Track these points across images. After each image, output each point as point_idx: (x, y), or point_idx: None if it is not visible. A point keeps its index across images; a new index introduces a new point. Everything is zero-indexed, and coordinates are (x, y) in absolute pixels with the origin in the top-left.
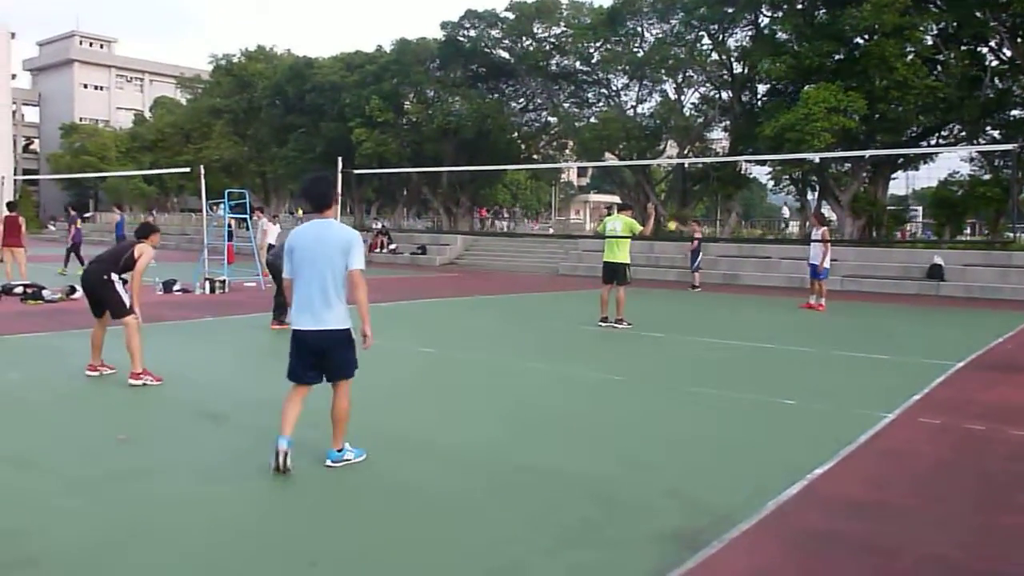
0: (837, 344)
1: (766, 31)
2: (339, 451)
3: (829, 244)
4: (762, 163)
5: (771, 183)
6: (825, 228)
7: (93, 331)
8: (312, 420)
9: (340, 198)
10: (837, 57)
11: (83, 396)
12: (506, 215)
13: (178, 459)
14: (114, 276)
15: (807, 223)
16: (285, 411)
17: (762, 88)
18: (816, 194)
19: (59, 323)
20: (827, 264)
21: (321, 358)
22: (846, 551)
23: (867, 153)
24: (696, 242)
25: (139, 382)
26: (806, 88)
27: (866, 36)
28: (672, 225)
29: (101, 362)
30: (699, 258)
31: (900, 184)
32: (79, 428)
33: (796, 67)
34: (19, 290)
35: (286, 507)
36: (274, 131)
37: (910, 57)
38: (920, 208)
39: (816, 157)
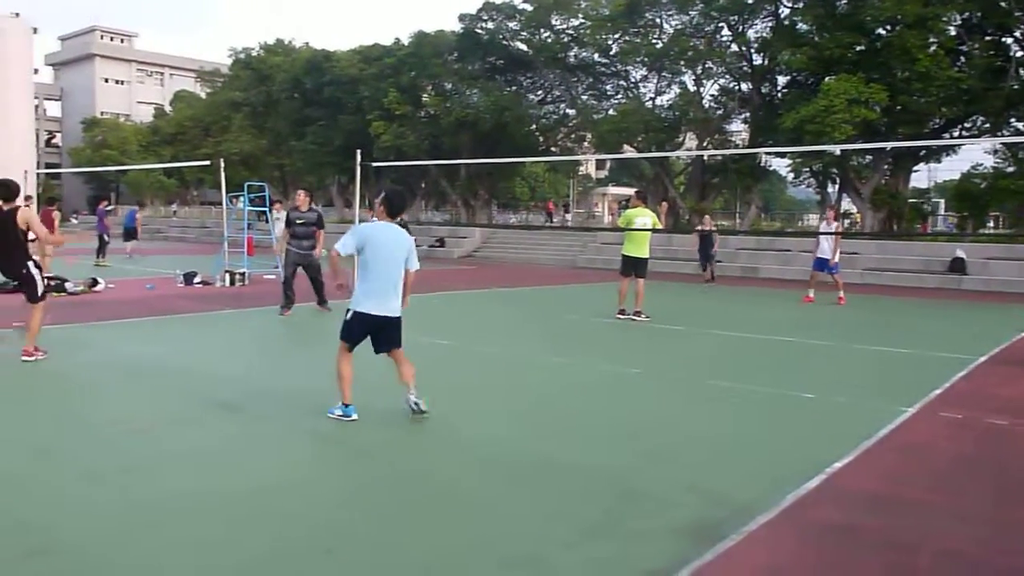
0: (856, 338)
1: (786, 22)
2: (416, 398)
3: (838, 239)
4: (782, 155)
5: (791, 176)
6: (838, 223)
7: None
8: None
9: (358, 192)
10: (858, 48)
11: (100, 387)
12: (562, 210)
13: (192, 449)
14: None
15: (837, 216)
16: (346, 376)
17: (782, 80)
18: (836, 187)
19: (80, 315)
20: (837, 258)
21: (376, 334)
22: (864, 545)
23: (888, 145)
24: (702, 235)
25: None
26: (827, 80)
27: (888, 27)
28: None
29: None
30: (714, 251)
31: (922, 177)
32: (95, 419)
33: (816, 58)
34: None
35: (300, 496)
36: (292, 124)
37: (933, 48)
38: (942, 201)
39: (837, 149)
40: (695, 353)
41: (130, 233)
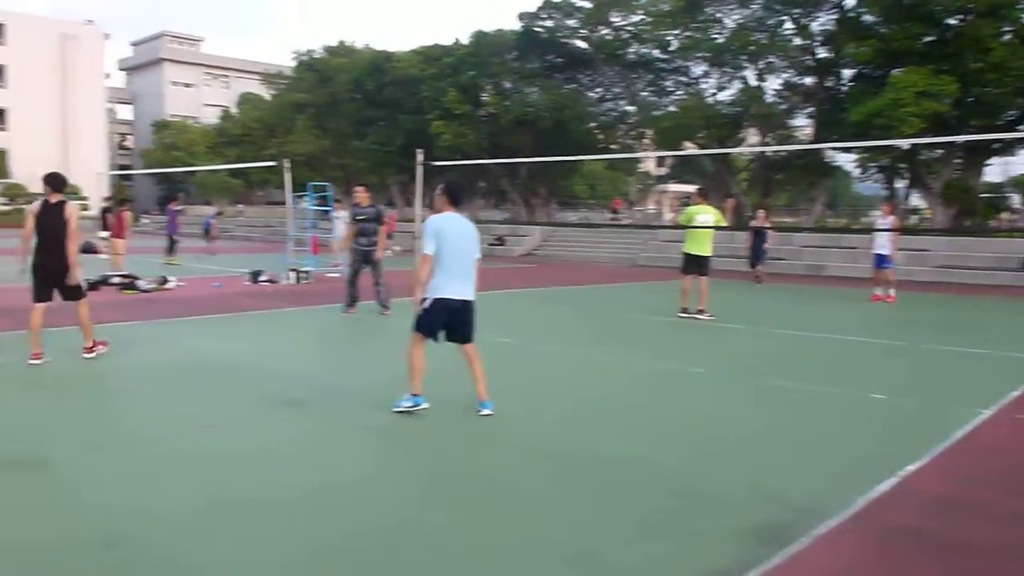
0: (928, 337)
1: (851, 14)
2: (486, 401)
3: (897, 234)
4: (848, 150)
5: (857, 171)
6: (894, 217)
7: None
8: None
9: (419, 191)
10: (927, 39)
11: (169, 382)
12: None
13: (259, 445)
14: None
15: (892, 210)
16: (418, 366)
17: (847, 73)
18: (905, 182)
19: (152, 311)
20: (896, 254)
21: (452, 321)
22: (937, 550)
23: (960, 139)
24: (755, 231)
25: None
26: (894, 72)
27: (959, 16)
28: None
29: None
30: (765, 248)
31: (995, 171)
32: (165, 413)
33: (883, 50)
34: (116, 280)
35: (364, 492)
36: (354, 124)
37: (1007, 37)
38: (1017, 195)
39: (905, 144)
40: (758, 352)
41: (207, 233)
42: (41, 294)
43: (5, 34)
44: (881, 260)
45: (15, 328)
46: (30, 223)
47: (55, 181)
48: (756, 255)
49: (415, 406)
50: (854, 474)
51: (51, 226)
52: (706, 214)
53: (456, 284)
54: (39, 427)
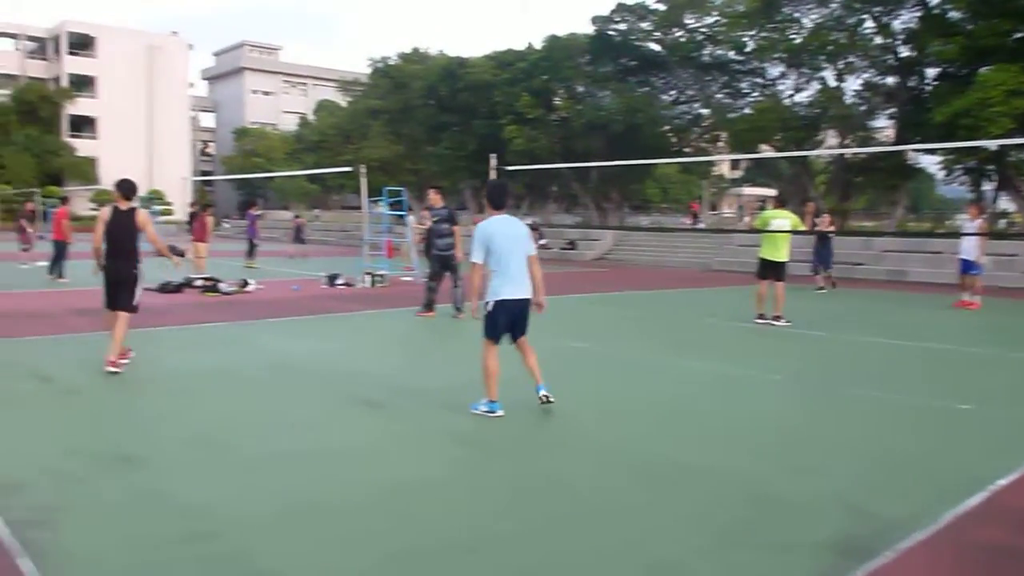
0: (1018, 346)
1: (936, 11)
2: (541, 384)
3: (986, 237)
4: (932, 152)
5: (942, 173)
6: (982, 220)
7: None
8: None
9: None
10: (1017, 35)
11: (250, 382)
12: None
13: (338, 444)
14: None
15: (980, 213)
16: (493, 371)
17: (931, 72)
18: (993, 185)
19: (233, 313)
20: (983, 259)
21: (513, 320)
22: None
23: None
24: (820, 235)
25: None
26: (982, 70)
27: None
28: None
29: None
30: (831, 255)
31: None
32: (248, 412)
33: (970, 48)
34: (199, 283)
35: (443, 494)
36: (428, 130)
37: None
38: None
39: (993, 144)
40: (838, 360)
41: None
42: (108, 300)
43: (95, 46)
44: (968, 266)
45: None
46: (100, 229)
47: (126, 188)
48: (821, 260)
49: (490, 412)
50: (941, 487)
51: (121, 233)
52: (782, 219)
53: (514, 285)
54: (131, 426)
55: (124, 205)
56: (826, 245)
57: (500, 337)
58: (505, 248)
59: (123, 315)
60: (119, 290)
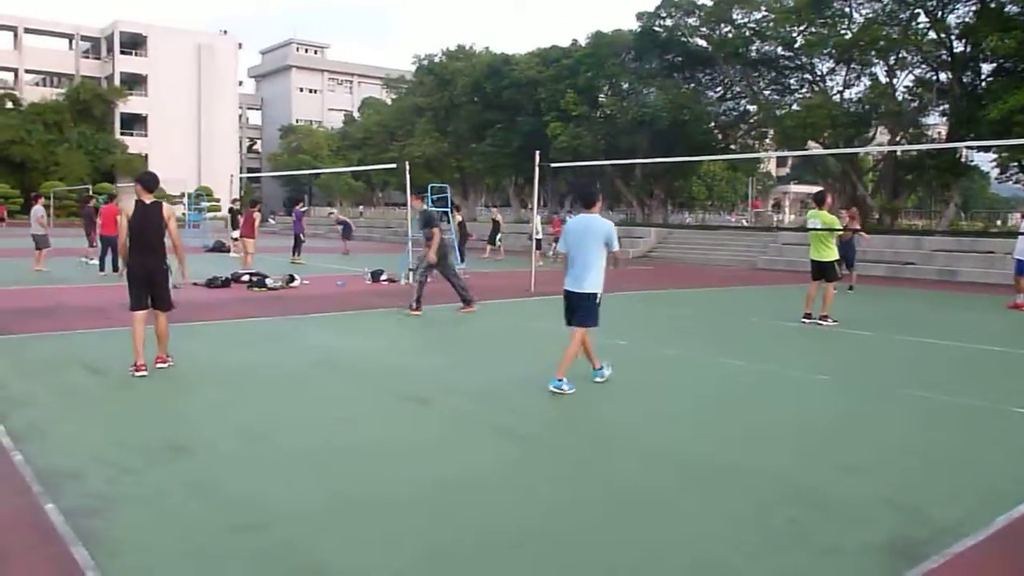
0: None
1: (992, 4)
2: (560, 379)
3: None
4: (986, 149)
5: (996, 171)
6: None
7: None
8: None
9: (536, 192)
10: None
11: (299, 376)
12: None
13: (386, 439)
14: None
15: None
16: (569, 352)
17: (987, 68)
18: None
19: (280, 308)
20: None
21: (572, 307)
22: None
23: None
24: (850, 234)
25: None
26: None
27: None
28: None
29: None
30: (855, 253)
31: None
32: (297, 406)
33: None
34: (246, 278)
35: (488, 490)
36: (472, 127)
37: None
38: None
39: None
40: (886, 360)
41: (347, 233)
42: (138, 301)
43: (147, 45)
44: (1022, 266)
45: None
46: (125, 225)
47: (148, 181)
48: (844, 259)
49: (556, 389)
50: (995, 492)
51: (146, 228)
52: (815, 219)
53: (571, 278)
54: (180, 419)
55: (148, 199)
56: (849, 243)
57: (568, 321)
58: (572, 244)
59: (163, 315)
60: (153, 290)
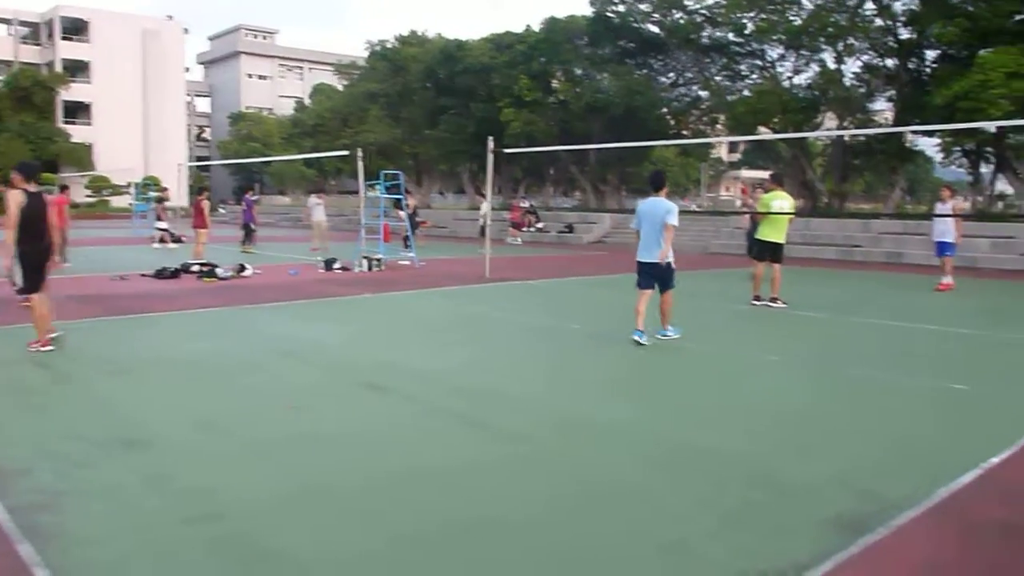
0: (1012, 327)
1: None
2: (665, 330)
3: (960, 220)
4: (931, 134)
5: (940, 156)
6: (954, 202)
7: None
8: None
9: (490, 178)
10: (1018, 17)
11: (252, 366)
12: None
13: (344, 428)
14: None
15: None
16: (638, 309)
17: (932, 54)
18: (991, 167)
19: (231, 298)
20: (956, 240)
21: (652, 276)
22: None
23: None
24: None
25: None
26: (982, 53)
27: None
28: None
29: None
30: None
31: None
32: (252, 395)
33: (971, 30)
34: (196, 268)
35: (449, 480)
36: (426, 113)
37: None
38: None
39: (993, 126)
40: (834, 341)
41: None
42: (35, 284)
43: (89, 31)
44: (943, 247)
45: (96, 315)
46: (17, 214)
47: (26, 169)
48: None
49: (639, 338)
50: (936, 465)
51: (37, 216)
52: (783, 200)
53: (643, 250)
54: (131, 411)
55: (31, 187)
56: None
57: (641, 285)
58: (643, 221)
59: (44, 297)
60: (45, 273)
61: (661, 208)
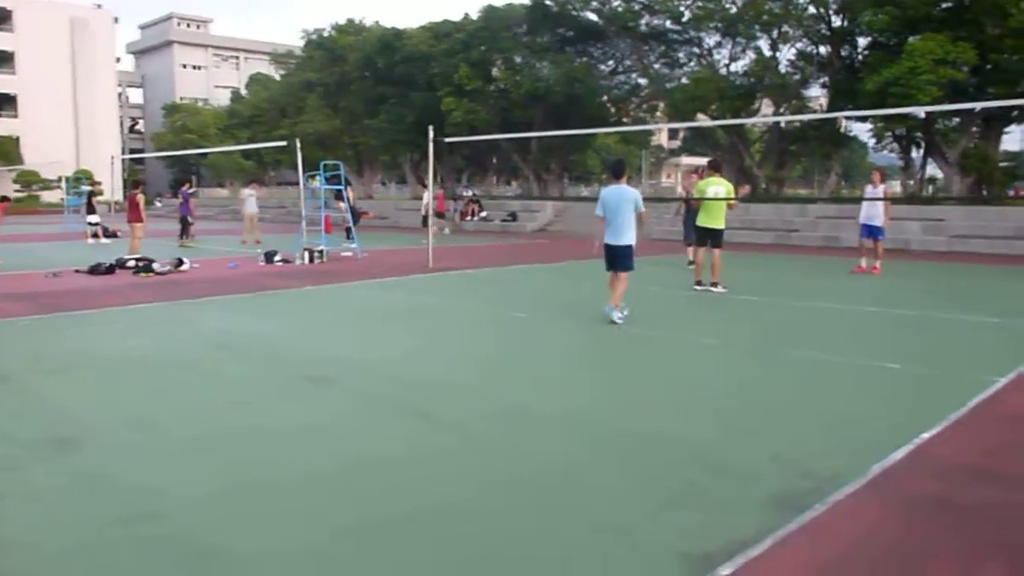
0: (943, 307)
1: None
2: (613, 307)
3: (889, 203)
4: (863, 120)
5: (873, 141)
6: (884, 186)
7: None
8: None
9: (431, 168)
10: (945, 5)
11: (193, 362)
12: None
13: (288, 422)
14: None
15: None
16: (612, 289)
17: (863, 41)
18: (921, 151)
19: (169, 293)
20: (885, 223)
21: (611, 257)
22: (959, 517)
23: (977, 106)
24: (687, 203)
25: None
26: (911, 40)
27: None
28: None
29: None
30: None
31: (1015, 139)
32: (193, 391)
33: (900, 18)
34: (131, 263)
35: (391, 471)
36: (365, 103)
37: None
38: None
39: (922, 112)
40: (773, 324)
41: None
42: None
43: (13, 20)
44: (872, 230)
45: (30, 313)
46: None
47: None
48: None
49: (609, 316)
50: (871, 442)
51: None
52: (718, 186)
53: (611, 235)
54: (63, 411)
55: None
56: (694, 215)
57: (608, 267)
58: (609, 208)
59: None
60: None
61: (628, 195)
